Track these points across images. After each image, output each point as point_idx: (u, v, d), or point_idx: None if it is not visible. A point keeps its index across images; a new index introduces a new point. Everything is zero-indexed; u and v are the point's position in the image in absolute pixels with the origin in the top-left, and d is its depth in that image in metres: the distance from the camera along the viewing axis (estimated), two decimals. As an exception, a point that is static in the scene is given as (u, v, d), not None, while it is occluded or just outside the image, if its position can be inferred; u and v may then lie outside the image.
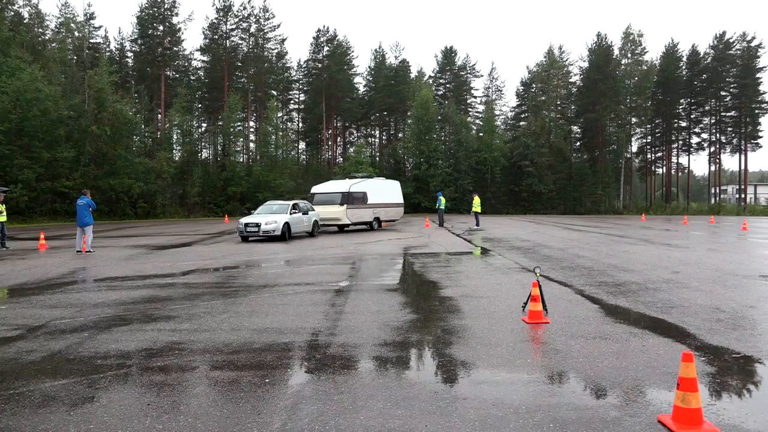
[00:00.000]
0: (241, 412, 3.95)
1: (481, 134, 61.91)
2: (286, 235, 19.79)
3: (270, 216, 20.26)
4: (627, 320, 6.81)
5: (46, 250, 16.53)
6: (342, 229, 25.65)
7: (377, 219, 26.56)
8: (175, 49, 56.15)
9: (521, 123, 67.21)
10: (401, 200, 29.44)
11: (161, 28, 54.69)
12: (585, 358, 5.20)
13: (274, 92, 65.20)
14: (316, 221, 22.66)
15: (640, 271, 11.10)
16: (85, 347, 5.70)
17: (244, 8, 58.86)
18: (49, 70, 38.29)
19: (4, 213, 16.82)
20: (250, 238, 19.91)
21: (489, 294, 8.65)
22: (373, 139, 75.73)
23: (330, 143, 70.18)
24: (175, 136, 51.75)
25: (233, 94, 53.22)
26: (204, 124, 62.81)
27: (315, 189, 26.89)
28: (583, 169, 57.97)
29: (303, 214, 21.61)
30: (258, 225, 19.56)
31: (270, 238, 19.70)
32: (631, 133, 60.94)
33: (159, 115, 56.13)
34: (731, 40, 60.13)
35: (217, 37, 58.76)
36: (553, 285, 9.35)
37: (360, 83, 70.64)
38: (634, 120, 59.67)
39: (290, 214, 20.63)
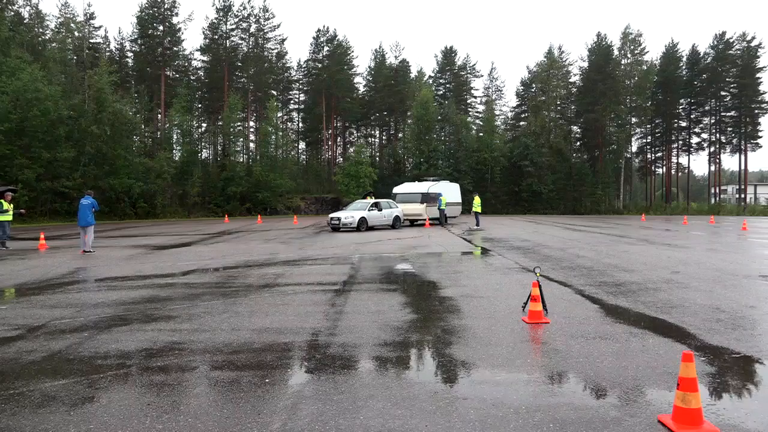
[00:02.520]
0: (241, 412, 3.95)
1: (481, 134, 61.85)
2: (361, 227, 24.87)
3: (349, 212, 25.97)
4: (627, 320, 6.81)
5: (46, 250, 16.53)
6: (413, 223, 29.71)
7: (445, 215, 30.25)
8: (175, 49, 56.16)
9: (521, 123, 67.19)
10: (460, 200, 34.41)
11: (161, 28, 54.72)
12: (585, 358, 5.20)
13: (274, 92, 65.21)
14: (397, 216, 27.34)
15: (640, 271, 11.10)
16: (85, 347, 5.70)
17: (244, 8, 58.96)
18: (49, 70, 38.26)
19: (11, 212, 16.96)
20: (341, 228, 24.87)
21: (489, 294, 8.65)
22: (373, 139, 75.73)
23: (330, 143, 70.19)
24: (175, 136, 51.77)
25: (233, 94, 53.23)
26: (204, 124, 62.82)
27: (396, 189, 32.21)
28: (583, 169, 57.94)
29: (379, 211, 26.40)
30: (339, 219, 25.12)
31: (351, 229, 24.74)
32: (631, 133, 60.91)
33: (159, 115, 56.17)
34: (731, 40, 60.11)
35: (217, 37, 58.79)
36: (553, 285, 9.35)
37: (360, 83, 70.71)
38: (634, 120, 59.65)
39: (368, 211, 25.77)
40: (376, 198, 32.28)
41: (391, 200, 28.78)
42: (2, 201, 16.77)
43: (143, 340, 5.99)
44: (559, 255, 14.18)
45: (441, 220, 29.64)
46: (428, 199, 29.55)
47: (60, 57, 43.26)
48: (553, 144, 58.84)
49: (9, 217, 16.90)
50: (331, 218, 25.56)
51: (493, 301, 8.03)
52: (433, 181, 33.15)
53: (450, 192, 32.15)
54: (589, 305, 7.73)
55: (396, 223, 27.09)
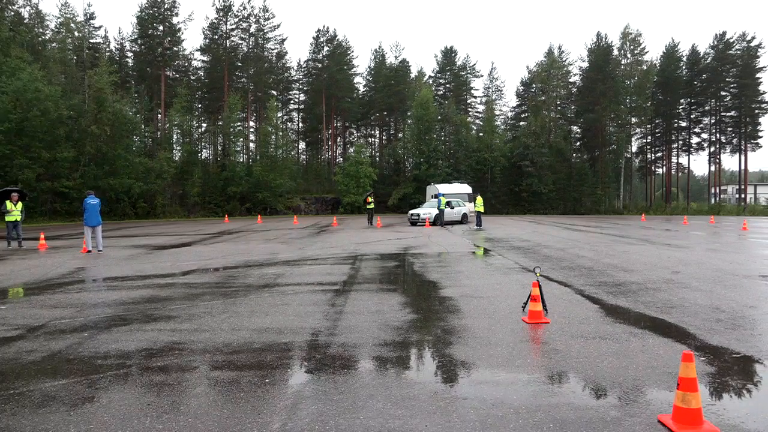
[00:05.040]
0: (241, 412, 3.95)
1: (481, 134, 61.83)
2: (437, 222, 28.60)
3: (427, 209, 29.96)
4: (627, 320, 6.81)
5: (46, 250, 16.54)
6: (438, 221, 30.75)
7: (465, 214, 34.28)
8: (175, 49, 56.15)
9: (521, 123, 67.15)
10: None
11: (161, 28, 54.67)
12: (585, 358, 5.20)
13: (274, 92, 65.20)
14: (465, 213, 31.36)
15: (640, 271, 11.10)
16: (85, 347, 5.70)
17: (244, 8, 58.94)
18: (49, 70, 38.30)
19: (16, 212, 17.26)
20: (417, 223, 28.63)
21: (489, 294, 8.65)
22: (373, 139, 75.71)
23: (330, 143, 70.19)
24: (175, 136, 51.77)
25: (233, 94, 53.22)
26: (204, 124, 62.80)
27: (441, 190, 35.69)
28: (583, 169, 57.92)
29: (452, 208, 30.41)
30: (418, 215, 29.00)
31: (429, 223, 28.26)
32: (631, 133, 60.92)
33: (159, 115, 56.14)
34: (731, 40, 60.12)
35: (217, 37, 58.78)
36: (553, 285, 9.35)
37: (360, 83, 70.70)
38: (634, 120, 59.64)
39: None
40: (375, 197, 33.72)
41: (459, 200, 32.86)
42: (7, 202, 17.08)
43: (143, 340, 5.99)
44: (559, 255, 14.18)
45: (441, 221, 29.64)
46: (473, 199, 33.88)
47: (60, 57, 43.26)
48: (553, 144, 58.82)
49: (14, 217, 17.22)
50: (411, 214, 29.49)
51: (493, 301, 8.03)
52: (460, 183, 39.47)
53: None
54: (589, 305, 7.73)
55: (464, 219, 31.14)
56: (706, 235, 21.89)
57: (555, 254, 14.40)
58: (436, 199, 32.06)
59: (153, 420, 3.82)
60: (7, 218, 17.19)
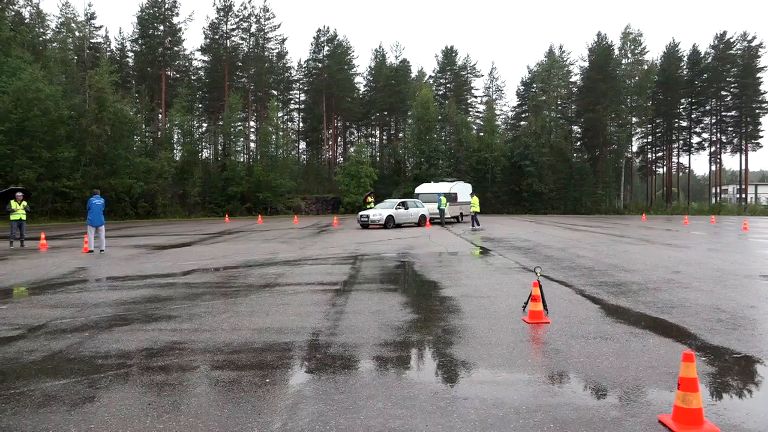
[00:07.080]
0: (241, 412, 3.95)
1: (481, 134, 61.77)
2: (389, 224, 26.35)
3: (377, 210, 27.45)
4: (627, 320, 6.80)
5: (47, 249, 16.56)
6: (432, 221, 29.84)
7: (461, 214, 32.66)
8: (175, 49, 56.17)
9: (521, 123, 67.10)
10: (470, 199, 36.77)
11: (162, 28, 54.70)
12: (585, 358, 5.20)
13: (275, 92, 65.20)
14: (423, 215, 28.60)
15: (640, 271, 11.09)
16: (86, 347, 5.71)
17: (245, 8, 58.96)
18: (49, 70, 38.30)
19: (20, 211, 17.46)
20: (369, 225, 26.40)
21: (489, 294, 8.65)
22: (373, 139, 75.67)
23: (330, 143, 70.18)
24: (175, 136, 51.79)
25: (233, 94, 53.21)
26: (204, 124, 62.81)
27: (419, 190, 34.19)
28: (584, 169, 57.84)
29: (406, 209, 27.89)
30: (368, 216, 26.63)
31: (379, 226, 26.29)
32: (631, 132, 60.82)
33: (159, 115, 56.15)
34: (732, 40, 60.08)
35: (217, 37, 58.80)
36: (554, 285, 9.34)
37: (360, 83, 70.65)
38: (634, 120, 59.57)
39: (395, 209, 27.26)
40: (375, 197, 32.83)
41: (417, 200, 30.46)
42: (12, 201, 17.25)
43: (144, 339, 6.00)
44: (560, 255, 14.18)
45: (441, 220, 29.64)
46: (451, 198, 31.58)
47: (61, 57, 43.27)
48: (553, 144, 58.75)
49: (19, 216, 17.42)
50: (361, 215, 27.42)
51: (494, 301, 8.03)
52: (450, 181, 36.26)
53: (464, 192, 34.48)
54: (590, 305, 7.72)
55: (422, 222, 28.41)
56: (706, 235, 21.87)
57: (555, 254, 14.39)
58: (392, 200, 30.71)
59: (153, 420, 3.83)
60: (12, 217, 17.39)
